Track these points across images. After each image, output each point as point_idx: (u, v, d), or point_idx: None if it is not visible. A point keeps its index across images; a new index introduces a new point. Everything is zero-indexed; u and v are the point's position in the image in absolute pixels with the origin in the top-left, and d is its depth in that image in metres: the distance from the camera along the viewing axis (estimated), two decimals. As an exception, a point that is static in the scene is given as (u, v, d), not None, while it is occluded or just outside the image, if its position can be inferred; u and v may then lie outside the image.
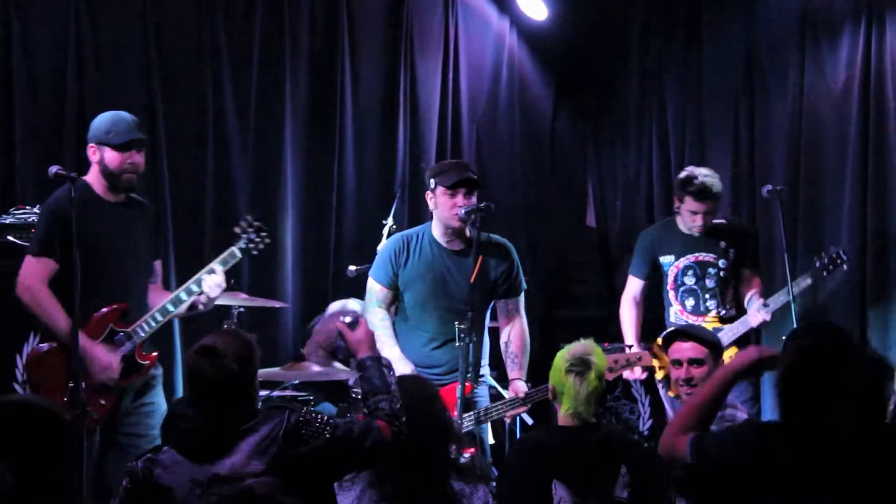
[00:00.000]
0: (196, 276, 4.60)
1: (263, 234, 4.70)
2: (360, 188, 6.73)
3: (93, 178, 4.60)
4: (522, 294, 4.98)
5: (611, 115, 7.65)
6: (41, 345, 4.51)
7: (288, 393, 5.21)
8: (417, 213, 6.74)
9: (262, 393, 4.69)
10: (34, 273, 4.44)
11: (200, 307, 4.64)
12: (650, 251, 5.80)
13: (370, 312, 4.83)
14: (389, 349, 4.65)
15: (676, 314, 5.71)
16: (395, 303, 4.94)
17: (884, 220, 6.48)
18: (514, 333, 4.91)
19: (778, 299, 5.52)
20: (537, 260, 7.22)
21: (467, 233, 4.84)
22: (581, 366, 3.82)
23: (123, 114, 4.69)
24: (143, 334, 4.52)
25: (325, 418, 3.26)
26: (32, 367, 4.48)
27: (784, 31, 6.87)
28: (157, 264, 4.83)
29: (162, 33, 6.09)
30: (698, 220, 5.61)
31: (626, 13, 7.50)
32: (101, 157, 4.56)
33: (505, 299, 4.94)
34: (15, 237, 5.04)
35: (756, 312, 5.51)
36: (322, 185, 6.57)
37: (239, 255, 4.66)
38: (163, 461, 3.22)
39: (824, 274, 5.60)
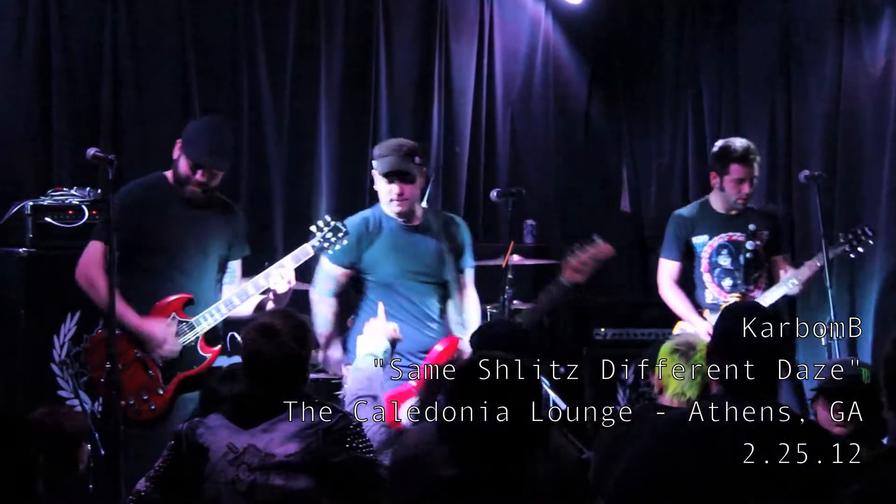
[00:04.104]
0: (265, 271, 4.54)
1: (340, 234, 4.60)
2: (394, 172, 6.72)
3: (171, 171, 4.60)
4: (473, 268, 5.02)
5: (646, 100, 7.58)
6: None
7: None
8: (451, 197, 6.74)
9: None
10: (91, 256, 4.43)
11: (270, 304, 4.56)
12: (685, 231, 5.61)
13: (324, 299, 4.81)
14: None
15: (714, 296, 5.53)
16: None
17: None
18: (471, 307, 4.96)
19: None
20: (570, 244, 7.17)
21: (417, 210, 4.81)
22: (685, 346, 3.75)
23: (216, 128, 4.67)
24: (204, 324, 4.49)
25: (373, 445, 3.34)
26: (91, 352, 4.42)
27: (822, 14, 6.80)
28: (236, 264, 4.78)
29: (198, 15, 6.12)
30: (745, 189, 5.43)
31: (661, -3, 7.46)
32: (178, 159, 4.53)
33: (460, 273, 4.97)
34: (53, 219, 5.07)
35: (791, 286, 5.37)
36: (356, 167, 6.56)
37: (311, 252, 4.58)
38: (207, 423, 3.29)
39: (847, 249, 5.43)
